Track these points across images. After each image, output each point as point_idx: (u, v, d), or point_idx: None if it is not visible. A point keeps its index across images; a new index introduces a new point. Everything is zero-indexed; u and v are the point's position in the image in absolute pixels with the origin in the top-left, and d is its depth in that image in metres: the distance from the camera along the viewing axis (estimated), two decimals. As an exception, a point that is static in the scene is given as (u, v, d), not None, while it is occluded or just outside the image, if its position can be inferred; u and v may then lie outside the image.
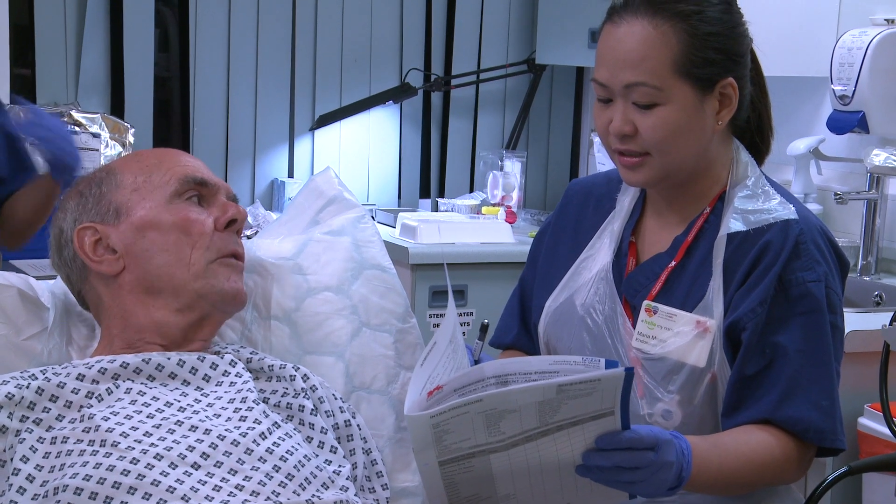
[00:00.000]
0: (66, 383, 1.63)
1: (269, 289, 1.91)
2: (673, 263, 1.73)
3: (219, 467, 1.55)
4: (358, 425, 1.79)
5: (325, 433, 1.71)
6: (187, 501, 1.49)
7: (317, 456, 1.65)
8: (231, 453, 1.56)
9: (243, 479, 1.54)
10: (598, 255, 1.80)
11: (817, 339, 1.65)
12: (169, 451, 1.54)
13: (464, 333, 3.63)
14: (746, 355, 1.65)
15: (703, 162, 1.73)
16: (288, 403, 1.72)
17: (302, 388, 1.75)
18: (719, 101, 1.69)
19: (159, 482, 1.50)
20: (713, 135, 1.71)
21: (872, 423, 2.61)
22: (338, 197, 2.05)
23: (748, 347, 1.65)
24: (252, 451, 1.57)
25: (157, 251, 1.73)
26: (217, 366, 1.71)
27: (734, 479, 1.63)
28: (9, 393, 1.59)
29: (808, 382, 1.63)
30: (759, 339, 1.64)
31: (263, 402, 1.69)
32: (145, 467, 1.51)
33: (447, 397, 1.46)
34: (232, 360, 1.73)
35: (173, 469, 1.52)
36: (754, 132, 1.80)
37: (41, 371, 1.66)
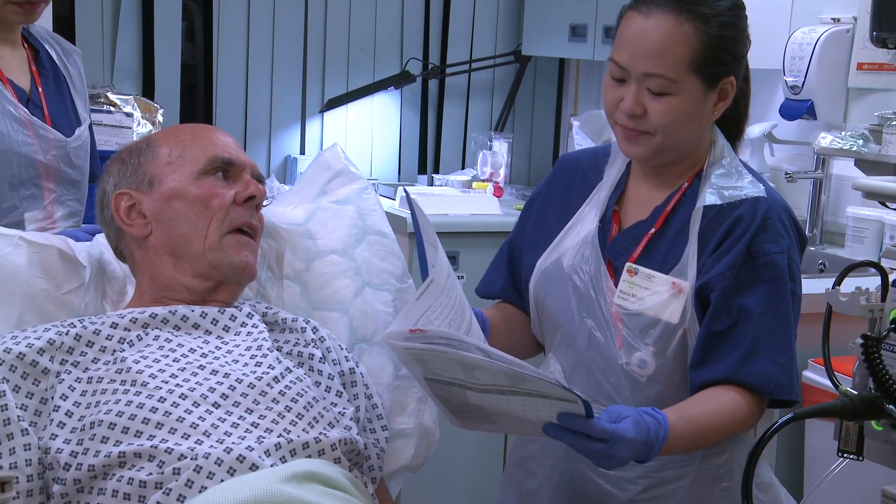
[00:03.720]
0: (101, 330, 1.64)
1: (282, 251, 1.90)
2: (653, 230, 1.73)
3: (237, 407, 1.55)
4: (361, 373, 1.79)
5: (332, 379, 1.71)
6: (208, 436, 1.49)
7: (324, 398, 1.66)
8: (247, 395, 1.57)
9: (258, 418, 1.54)
10: (586, 221, 1.79)
11: (779, 304, 1.65)
12: (192, 391, 1.54)
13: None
14: (715, 314, 1.65)
15: (693, 145, 1.73)
16: (299, 352, 1.72)
17: (312, 339, 1.75)
18: (718, 95, 1.68)
19: (184, 419, 1.50)
20: (707, 123, 1.71)
21: (815, 376, 2.62)
22: (344, 170, 2.04)
23: (716, 307, 1.65)
24: (266, 392, 1.58)
25: (180, 220, 1.72)
26: (235, 317, 1.72)
27: (702, 444, 1.66)
28: (50, 339, 1.60)
29: (769, 342, 1.64)
30: (726, 301, 1.64)
31: (277, 349, 1.69)
32: (171, 405, 1.51)
33: (427, 339, 1.43)
34: (249, 313, 1.73)
35: (196, 407, 1.52)
36: (735, 118, 1.79)
37: (79, 320, 1.67)
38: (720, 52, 1.64)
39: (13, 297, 1.72)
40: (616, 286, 1.72)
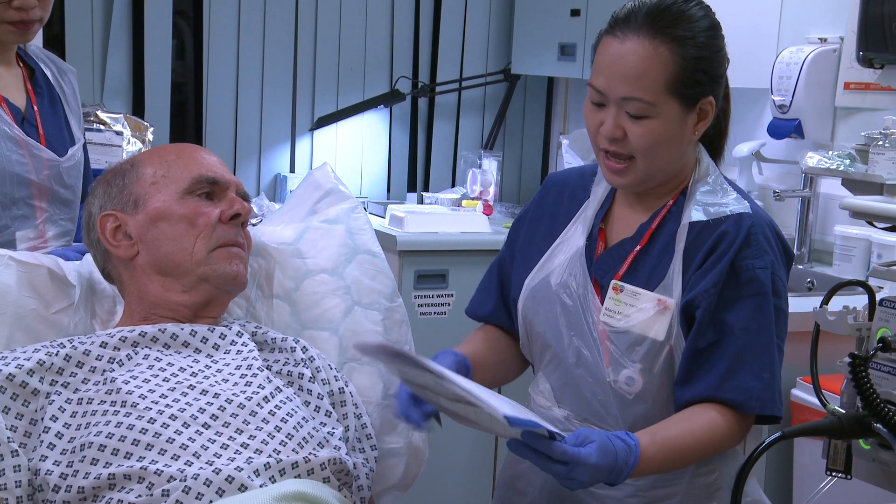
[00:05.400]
0: (90, 350, 1.63)
1: (271, 270, 1.91)
2: (638, 248, 1.74)
3: (226, 427, 1.55)
4: (350, 393, 1.79)
5: (321, 399, 1.71)
6: (198, 457, 1.49)
7: (313, 418, 1.66)
8: (237, 415, 1.56)
9: (248, 438, 1.54)
10: (573, 239, 1.80)
11: (761, 319, 1.65)
12: (182, 412, 1.54)
13: (443, 314, 3.62)
14: (699, 330, 1.66)
15: (677, 165, 1.73)
16: (289, 371, 1.72)
17: (301, 359, 1.75)
18: (698, 115, 1.68)
19: (173, 440, 1.50)
20: (689, 144, 1.71)
21: (803, 394, 2.63)
22: (333, 189, 2.05)
23: (701, 323, 1.65)
24: (256, 413, 1.57)
25: (165, 240, 1.73)
26: (225, 336, 1.72)
27: (678, 465, 1.66)
28: (40, 360, 1.60)
29: (751, 357, 1.64)
30: (710, 317, 1.65)
31: (267, 369, 1.69)
32: (161, 426, 1.51)
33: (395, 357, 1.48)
34: (239, 332, 1.73)
35: (186, 428, 1.52)
36: (716, 136, 1.80)
37: (68, 340, 1.66)
38: (697, 74, 1.65)
39: (3, 317, 1.71)
40: (602, 304, 1.72)
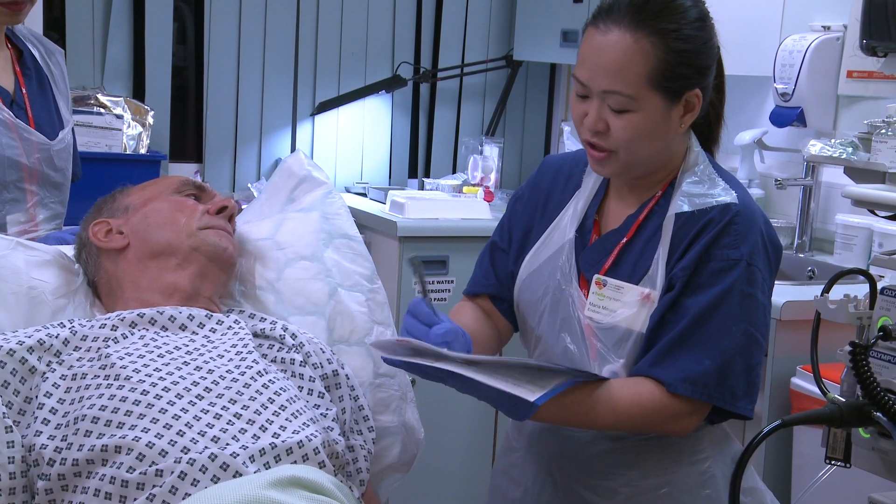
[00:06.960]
0: (87, 335, 1.65)
1: (251, 265, 1.94)
2: (624, 240, 1.71)
3: (219, 398, 1.56)
4: (347, 375, 1.80)
5: (314, 381, 1.72)
6: (190, 427, 1.49)
7: (307, 400, 1.66)
8: (230, 388, 1.58)
9: (241, 409, 1.55)
10: (563, 230, 1.78)
11: (723, 308, 1.61)
12: (175, 384, 1.55)
13: (444, 300, 3.62)
14: (661, 310, 1.63)
15: (664, 157, 1.71)
16: (282, 358, 1.73)
17: (292, 345, 1.76)
18: (684, 107, 1.65)
19: (166, 410, 1.51)
20: (675, 136, 1.68)
21: (803, 383, 2.62)
22: (308, 176, 2.07)
23: (665, 303, 1.63)
24: (249, 385, 1.59)
25: (155, 225, 1.81)
26: (222, 322, 1.74)
27: (580, 420, 1.63)
28: (41, 339, 1.62)
29: (697, 342, 1.61)
30: (674, 299, 1.63)
31: (262, 357, 1.70)
32: (154, 398, 1.52)
33: (411, 352, 1.54)
34: (236, 319, 1.76)
35: (179, 399, 1.53)
36: (707, 126, 1.78)
37: (69, 321, 1.69)
38: (680, 67, 1.61)
39: (5, 301, 1.72)
40: (587, 299, 1.70)
